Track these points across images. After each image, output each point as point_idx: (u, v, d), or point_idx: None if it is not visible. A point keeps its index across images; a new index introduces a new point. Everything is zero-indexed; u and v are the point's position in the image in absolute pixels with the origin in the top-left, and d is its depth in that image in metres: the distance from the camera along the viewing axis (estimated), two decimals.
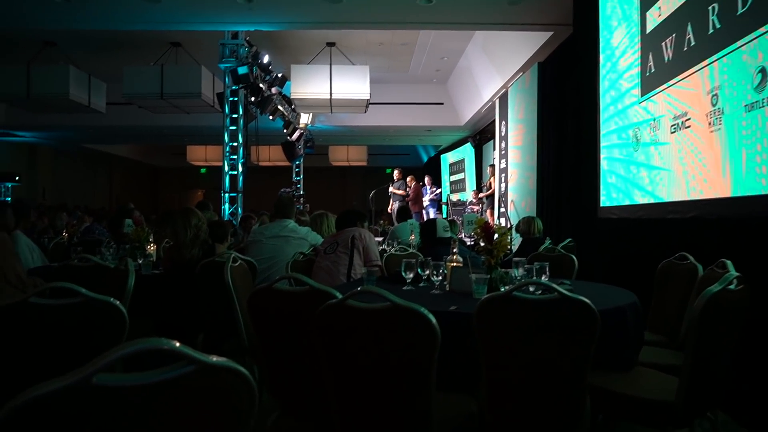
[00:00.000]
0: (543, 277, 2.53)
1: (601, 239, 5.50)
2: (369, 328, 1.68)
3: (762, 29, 3.08)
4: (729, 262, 2.31)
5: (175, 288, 3.39)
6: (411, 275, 2.76)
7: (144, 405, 0.82)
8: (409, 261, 2.78)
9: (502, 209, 9.57)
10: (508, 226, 7.98)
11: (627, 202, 4.93)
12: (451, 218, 10.03)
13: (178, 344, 0.85)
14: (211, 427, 0.90)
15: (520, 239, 5.66)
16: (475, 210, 11.07)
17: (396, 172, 12.14)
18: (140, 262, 3.80)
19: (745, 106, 3.22)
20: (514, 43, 8.47)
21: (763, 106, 3.06)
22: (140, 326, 2.96)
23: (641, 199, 4.65)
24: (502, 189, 9.77)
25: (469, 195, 12.85)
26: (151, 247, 4.23)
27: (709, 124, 3.62)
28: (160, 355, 0.85)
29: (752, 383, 2.98)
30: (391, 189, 11.88)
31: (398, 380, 1.69)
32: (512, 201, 9.13)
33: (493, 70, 9.99)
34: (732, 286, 1.93)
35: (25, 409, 0.73)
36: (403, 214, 6.93)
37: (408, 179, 11.81)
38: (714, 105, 3.56)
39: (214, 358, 0.87)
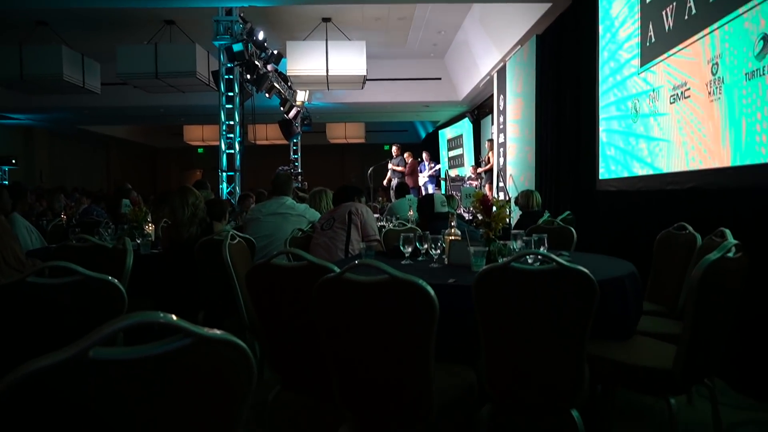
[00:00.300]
0: (541, 249, 2.52)
1: (600, 211, 5.50)
2: (367, 301, 1.68)
3: None
4: (728, 231, 2.30)
5: (175, 267, 3.39)
6: (410, 249, 2.76)
7: (141, 378, 0.82)
8: (407, 235, 2.78)
9: (501, 184, 9.55)
10: (507, 199, 7.96)
11: (626, 174, 4.91)
12: (449, 193, 10.01)
13: (174, 317, 0.85)
14: (209, 399, 0.91)
15: (519, 213, 5.66)
16: (474, 185, 11.04)
17: (395, 148, 12.09)
18: (139, 242, 3.79)
19: (746, 74, 3.19)
20: (512, 16, 8.35)
21: (764, 74, 3.02)
22: (140, 305, 2.96)
23: (640, 170, 4.64)
24: (501, 164, 9.74)
25: (467, 170, 12.80)
26: (150, 227, 4.22)
27: (709, 93, 3.58)
28: (158, 330, 0.85)
29: (749, 350, 3.00)
30: (390, 165, 11.84)
31: (397, 352, 1.70)
32: (511, 175, 9.10)
33: (491, 44, 9.87)
34: (730, 254, 1.93)
35: (22, 384, 0.73)
36: (401, 190, 6.91)
37: (405, 155, 11.77)
38: (714, 74, 3.53)
39: (211, 331, 0.87)
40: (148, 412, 0.84)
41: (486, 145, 11.50)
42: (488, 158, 10.88)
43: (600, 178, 5.48)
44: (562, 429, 2.08)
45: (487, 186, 10.55)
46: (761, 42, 3.05)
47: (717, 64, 3.49)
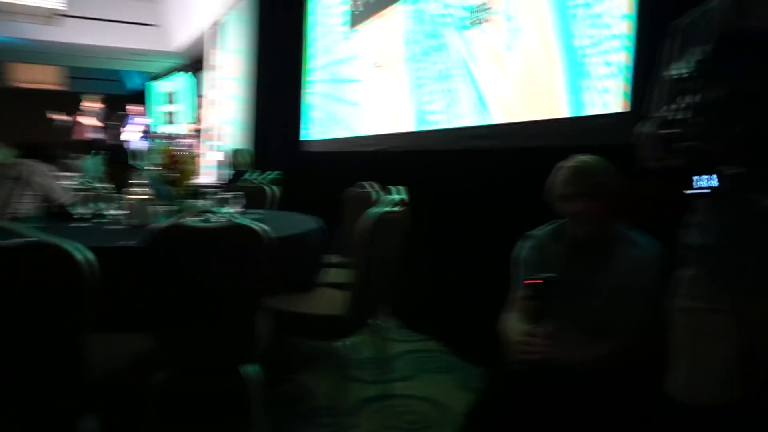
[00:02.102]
0: (236, 207, 2.52)
1: (305, 172, 5.73)
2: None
3: None
4: (394, 188, 2.58)
5: None
6: (85, 211, 2.45)
7: None
8: (83, 194, 2.47)
9: (214, 142, 9.29)
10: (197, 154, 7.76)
11: (328, 136, 5.20)
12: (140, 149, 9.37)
13: None
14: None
15: (233, 172, 5.61)
16: (191, 143, 10.49)
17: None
18: None
19: (423, 50, 3.60)
20: None
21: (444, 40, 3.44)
22: None
23: (340, 132, 4.95)
24: (214, 122, 9.48)
25: (184, 127, 12.11)
26: None
27: (398, 63, 3.96)
28: None
29: (416, 291, 3.46)
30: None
31: (45, 325, 1.47)
32: (223, 134, 8.94)
33: None
34: (393, 208, 2.17)
35: None
36: (87, 147, 6.23)
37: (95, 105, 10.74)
38: (407, 45, 3.88)
39: None
40: None
41: (200, 102, 11.03)
42: (200, 115, 10.49)
43: (306, 139, 5.72)
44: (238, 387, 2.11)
45: (200, 144, 10.14)
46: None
47: (403, 36, 3.87)
